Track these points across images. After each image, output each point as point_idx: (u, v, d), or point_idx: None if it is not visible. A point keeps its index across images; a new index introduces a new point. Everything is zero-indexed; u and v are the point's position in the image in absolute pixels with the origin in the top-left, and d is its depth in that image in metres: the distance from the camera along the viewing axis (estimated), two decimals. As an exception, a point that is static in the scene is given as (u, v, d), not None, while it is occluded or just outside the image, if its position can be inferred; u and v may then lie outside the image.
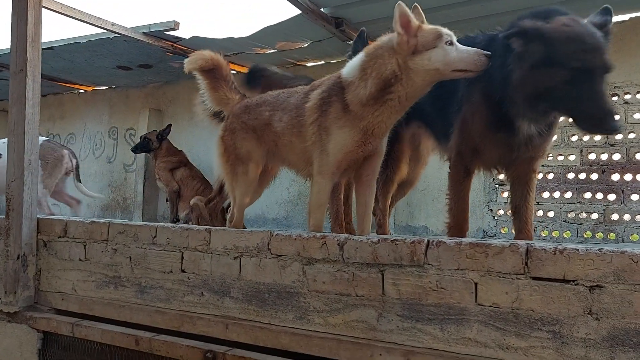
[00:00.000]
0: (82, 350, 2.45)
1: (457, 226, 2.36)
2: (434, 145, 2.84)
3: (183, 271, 2.28)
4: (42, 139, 4.93)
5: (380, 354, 1.76)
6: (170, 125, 5.67)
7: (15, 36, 2.74)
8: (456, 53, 1.94)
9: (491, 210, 4.39)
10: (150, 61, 5.41)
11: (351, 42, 3.27)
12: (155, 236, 2.37)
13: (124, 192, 6.52)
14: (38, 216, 2.75)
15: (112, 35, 4.72)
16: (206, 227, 2.30)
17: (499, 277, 1.62)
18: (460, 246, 1.68)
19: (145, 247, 2.39)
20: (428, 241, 1.74)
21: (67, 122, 7.09)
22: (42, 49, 2.85)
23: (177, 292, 2.28)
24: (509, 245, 1.62)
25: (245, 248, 2.13)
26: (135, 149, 5.73)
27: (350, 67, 2.13)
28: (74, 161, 5.12)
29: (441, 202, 3.98)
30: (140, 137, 5.73)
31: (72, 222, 2.65)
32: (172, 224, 2.36)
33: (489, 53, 1.95)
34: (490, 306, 1.62)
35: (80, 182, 5.23)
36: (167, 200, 5.68)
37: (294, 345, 1.94)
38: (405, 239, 1.78)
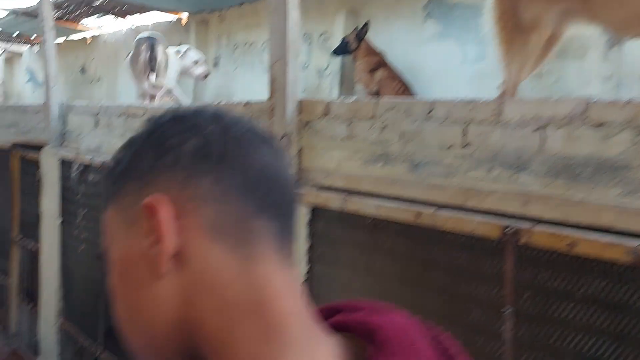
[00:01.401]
0: (350, 224, 2.51)
1: None
2: None
3: (466, 146, 2.15)
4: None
5: None
6: (367, 23, 5.49)
7: None
8: None
9: None
10: (353, -45, 5.21)
11: None
12: (431, 110, 2.26)
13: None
14: (299, 98, 2.81)
15: None
16: (497, 98, 2.13)
17: None
18: None
19: (419, 122, 2.30)
20: None
21: (263, 30, 7.31)
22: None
23: (459, 168, 2.17)
24: None
25: (550, 118, 1.91)
26: (336, 52, 5.71)
27: None
28: (148, 53, 5.22)
29: None
30: (341, 39, 5.68)
31: (334, 102, 2.66)
32: (452, 98, 2.23)
33: None
34: None
35: (154, 72, 5.30)
36: (365, 103, 5.66)
37: (621, 223, 1.73)
38: None
